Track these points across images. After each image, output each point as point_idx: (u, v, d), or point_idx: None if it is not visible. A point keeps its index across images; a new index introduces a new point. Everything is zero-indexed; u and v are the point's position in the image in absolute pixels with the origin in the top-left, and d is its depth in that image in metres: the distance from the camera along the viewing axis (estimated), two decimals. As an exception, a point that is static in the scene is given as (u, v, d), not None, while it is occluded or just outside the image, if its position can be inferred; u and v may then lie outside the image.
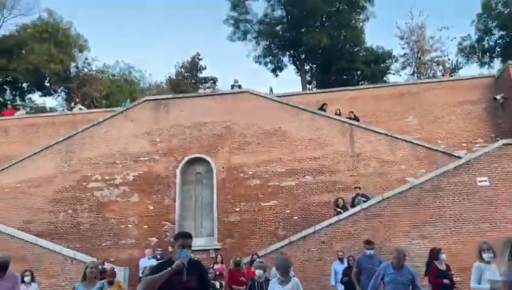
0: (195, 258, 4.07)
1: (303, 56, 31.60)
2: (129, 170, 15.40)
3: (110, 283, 8.34)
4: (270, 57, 32.07)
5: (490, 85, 17.77)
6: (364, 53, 30.90)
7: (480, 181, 11.74)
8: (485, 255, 6.18)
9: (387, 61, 31.17)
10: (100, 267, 8.07)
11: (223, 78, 71.32)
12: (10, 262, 5.82)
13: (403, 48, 30.94)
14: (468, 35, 30.31)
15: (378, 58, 30.53)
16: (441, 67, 29.64)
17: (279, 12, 30.76)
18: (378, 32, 50.51)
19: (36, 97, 33.79)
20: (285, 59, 32.46)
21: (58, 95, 32.74)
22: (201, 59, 33.76)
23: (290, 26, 30.01)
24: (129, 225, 14.80)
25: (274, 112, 15.60)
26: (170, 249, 13.72)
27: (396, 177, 14.18)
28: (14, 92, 31.82)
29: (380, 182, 14.23)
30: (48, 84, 30.91)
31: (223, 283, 10.69)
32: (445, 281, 7.70)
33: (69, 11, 52.13)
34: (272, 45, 31.51)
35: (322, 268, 11.55)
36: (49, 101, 65.99)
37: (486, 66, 30.05)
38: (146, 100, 16.61)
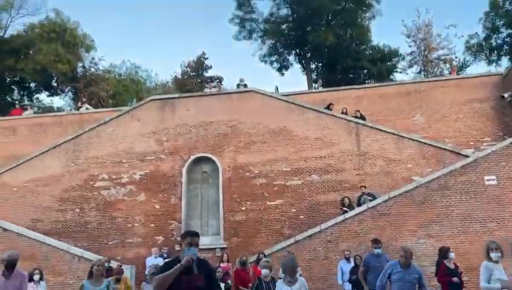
0: (202, 257, 4.07)
1: (309, 55, 31.52)
2: (136, 169, 15.49)
3: (117, 280, 8.43)
4: (276, 55, 32.02)
5: (498, 83, 17.61)
6: (370, 51, 30.72)
7: (488, 180, 11.65)
8: (493, 255, 6.14)
9: (393, 59, 30.97)
10: (106, 264, 8.14)
11: (228, 77, 71.45)
12: (18, 261, 5.88)
13: (410, 46, 30.77)
14: (476, 33, 30.06)
15: (385, 57, 30.34)
16: (448, 66, 29.41)
17: (284, 11, 30.71)
18: (384, 31, 50.34)
19: (43, 97, 34.12)
20: (291, 58, 32.44)
21: (66, 95, 33.03)
22: (207, 58, 33.82)
23: (295, 24, 29.95)
24: (136, 224, 14.89)
25: (280, 111, 15.59)
26: (177, 247, 13.80)
27: (402, 176, 14.11)
28: (21, 92, 32.12)
29: (387, 181, 14.17)
30: (55, 84, 31.15)
31: (230, 282, 10.71)
32: (455, 279, 7.65)
33: (76, 11, 52.51)
34: (278, 44, 31.47)
35: (328, 267, 11.54)
36: (57, 101, 66.57)
37: (494, 64, 29.79)
38: (152, 100, 16.68)
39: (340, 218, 12.22)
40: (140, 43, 61.89)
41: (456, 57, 30.62)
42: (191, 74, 33.58)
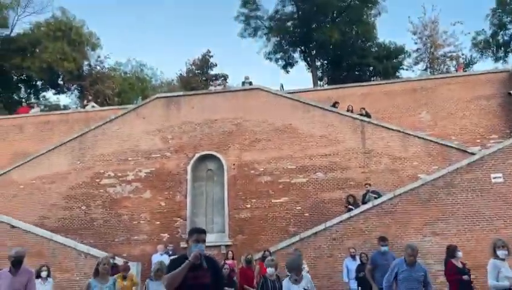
0: (209, 255, 4.09)
1: (314, 52, 31.42)
2: (141, 166, 15.56)
3: (124, 277, 8.50)
4: (281, 53, 31.97)
5: (505, 80, 17.45)
6: (376, 48, 30.57)
7: (494, 177, 11.57)
8: (500, 252, 6.12)
9: (399, 56, 30.80)
10: (111, 261, 8.19)
11: (233, 75, 71.40)
12: (24, 257, 5.93)
13: (416, 43, 30.55)
14: (483, 29, 29.79)
15: (391, 54, 30.18)
16: (454, 62, 29.20)
17: (289, 8, 30.62)
18: (390, 27, 49.97)
19: (50, 95, 34.35)
20: (296, 55, 32.38)
21: (72, 93, 33.23)
22: (211, 56, 33.83)
23: (300, 22, 29.86)
24: (141, 221, 14.97)
25: (285, 109, 15.57)
26: (182, 245, 13.86)
27: (408, 174, 14.06)
28: (28, 90, 32.37)
29: (392, 179, 14.12)
30: (61, 82, 31.34)
31: (235, 279, 10.74)
32: (465, 277, 7.61)
33: (82, 9, 52.72)
34: (283, 41, 31.40)
35: (333, 265, 11.54)
36: (63, 99, 66.81)
37: (501, 61, 29.55)
38: (157, 98, 16.74)
39: (345, 216, 12.20)
40: (145, 41, 62.09)
41: (462, 54, 30.41)
42: (196, 72, 33.61)
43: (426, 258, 10.37)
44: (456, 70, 23.26)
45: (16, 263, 5.74)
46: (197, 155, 15.46)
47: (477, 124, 17.10)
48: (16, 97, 31.53)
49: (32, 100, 31.10)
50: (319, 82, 29.38)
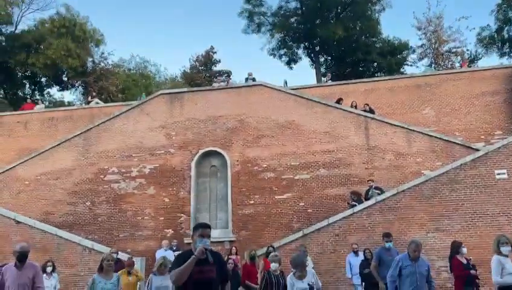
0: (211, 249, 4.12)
1: (318, 48, 31.36)
2: (145, 162, 15.63)
3: (129, 272, 8.57)
4: (285, 49, 31.93)
5: (510, 76, 17.35)
6: (380, 44, 30.45)
7: (498, 174, 11.51)
8: (503, 249, 6.12)
9: (403, 52, 30.67)
10: (115, 256, 8.25)
11: (237, 71, 71.36)
12: (29, 252, 5.99)
13: (420, 39, 30.38)
14: (488, 25, 29.58)
15: (395, 50, 30.06)
16: (459, 58, 29.02)
17: (293, 4, 30.56)
18: (394, 23, 49.62)
19: (54, 91, 34.54)
20: (300, 51, 32.34)
21: (76, 90, 33.37)
22: (215, 52, 33.85)
23: (304, 18, 29.78)
24: (145, 217, 15.05)
25: (288, 105, 15.56)
26: (186, 240, 13.94)
27: (412, 170, 14.03)
28: (33, 87, 32.54)
29: (396, 175, 14.11)
30: (65, 79, 31.46)
31: (239, 272, 10.77)
32: (473, 272, 7.60)
33: (85, 5, 52.74)
34: (286, 37, 31.34)
35: (336, 261, 11.56)
36: (67, 96, 67.10)
37: (506, 57, 29.34)
38: (161, 94, 16.77)
39: (349, 212, 12.20)
40: (149, 38, 62.13)
41: (467, 50, 30.22)
42: (200, 68, 33.65)
43: (429, 255, 10.37)
44: (461, 66, 23.13)
45: (22, 257, 5.80)
46: (201, 151, 15.50)
47: (481, 120, 17.02)
48: (20, 94, 31.71)
49: (37, 97, 31.30)
50: (322, 78, 29.31)
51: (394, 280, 6.50)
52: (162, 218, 14.98)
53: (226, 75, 32.08)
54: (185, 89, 18.03)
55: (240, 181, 15.06)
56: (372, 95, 17.93)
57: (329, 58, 32.61)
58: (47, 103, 30.95)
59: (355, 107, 16.06)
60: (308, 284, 5.78)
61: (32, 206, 15.52)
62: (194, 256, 3.76)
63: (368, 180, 13.49)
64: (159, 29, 62.81)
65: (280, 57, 32.24)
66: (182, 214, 14.96)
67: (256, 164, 15.13)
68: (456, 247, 8.23)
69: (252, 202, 14.78)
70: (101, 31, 32.01)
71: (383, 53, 29.36)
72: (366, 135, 14.77)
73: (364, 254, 9.97)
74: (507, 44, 29.13)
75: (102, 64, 32.09)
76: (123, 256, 11.00)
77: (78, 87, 32.77)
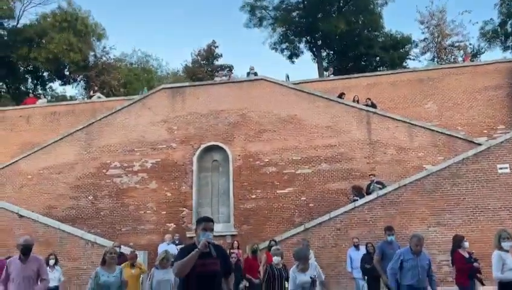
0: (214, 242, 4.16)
1: (320, 42, 31.22)
2: (147, 157, 15.66)
3: (132, 265, 8.64)
4: (287, 43, 31.80)
5: (513, 70, 17.25)
6: (382, 38, 30.29)
7: (500, 168, 11.51)
8: (504, 244, 6.12)
9: (406, 46, 30.53)
10: (118, 250, 8.31)
11: (239, 65, 71.17)
12: (33, 245, 6.04)
13: (423, 33, 30.26)
14: (491, 19, 29.40)
15: (397, 44, 29.90)
16: (462, 52, 28.88)
17: (295, -2, 30.36)
18: (397, 17, 49.33)
19: (56, 86, 34.53)
20: (302, 45, 32.20)
21: (78, 84, 33.38)
22: (217, 47, 33.77)
23: (306, 12, 29.62)
24: (148, 211, 15.12)
25: (290, 100, 15.54)
26: (188, 234, 14.01)
27: (413, 164, 14.02)
28: (35, 81, 32.56)
29: (397, 169, 14.10)
30: (67, 73, 31.48)
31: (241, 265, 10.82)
32: (476, 264, 7.61)
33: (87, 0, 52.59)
34: (288, 32, 31.21)
35: (337, 255, 11.61)
36: (69, 90, 67.22)
37: (510, 51, 29.16)
38: (163, 88, 16.77)
39: (350, 206, 12.24)
40: (151, 32, 61.99)
41: (470, 44, 30.08)
42: (202, 62, 33.59)
43: (430, 249, 10.39)
44: (464, 60, 23.03)
45: (26, 251, 5.85)
46: (203, 146, 15.52)
47: (484, 115, 16.97)
48: (23, 88, 31.75)
49: (39, 91, 31.34)
50: (324, 72, 29.20)
51: (395, 273, 6.53)
52: (164, 212, 15.04)
53: (227, 69, 32.03)
54: (187, 84, 18.01)
55: (241, 176, 15.09)
56: (374, 89, 17.88)
57: (332, 52, 32.47)
58: (49, 98, 30.98)
59: (357, 101, 16.03)
60: (311, 277, 5.81)
61: (35, 200, 15.61)
62: (196, 249, 3.80)
63: (369, 175, 13.50)
64: (161, 24, 62.67)
65: (282, 51, 32.15)
66: (184, 209, 15.02)
67: (258, 158, 15.15)
68: (458, 241, 8.24)
69: (253, 196, 14.82)
70: (102, 25, 32.00)
71: (386, 47, 29.22)
72: (368, 130, 14.75)
73: (366, 248, 9.99)
74: (510, 38, 28.95)
75: (104, 58, 32.09)
76: (126, 250, 11.06)
77: (80, 81, 32.80)
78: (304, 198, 14.47)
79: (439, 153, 13.98)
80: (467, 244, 8.24)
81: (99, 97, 21.31)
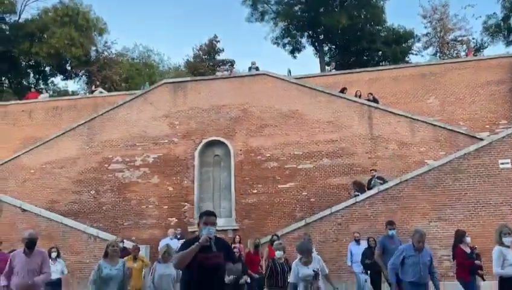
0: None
1: (322, 37, 31.09)
2: (149, 152, 15.70)
3: (135, 258, 8.71)
4: (288, 38, 31.68)
5: (516, 65, 17.17)
6: (385, 33, 30.15)
7: (502, 163, 11.50)
8: (506, 239, 6.11)
9: (409, 41, 30.38)
10: (121, 245, 8.37)
11: (240, 60, 71.00)
12: (38, 239, 6.11)
13: (426, 27, 30.11)
14: (494, 13, 29.20)
15: (400, 38, 29.77)
16: (464, 47, 28.75)
17: (297, -8, 30.19)
18: (399, 11, 49.10)
19: (58, 80, 34.58)
20: (304, 40, 32.08)
21: (80, 79, 33.40)
22: (218, 41, 33.68)
23: (308, 6, 29.47)
24: (149, 206, 15.18)
25: (291, 94, 15.53)
26: (190, 229, 14.07)
27: (415, 159, 14.02)
28: (37, 76, 32.59)
29: (399, 164, 14.10)
30: (69, 68, 31.49)
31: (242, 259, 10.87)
32: (477, 262, 7.62)
33: (88, -6, 52.29)
34: (290, 26, 31.08)
35: (338, 249, 11.65)
36: (71, 85, 67.21)
37: (513, 45, 28.99)
38: (164, 83, 16.78)
39: (351, 201, 12.27)
40: (152, 27, 61.79)
41: (473, 38, 29.90)
42: (203, 57, 33.53)
43: (432, 244, 10.41)
44: (466, 55, 22.94)
45: (30, 244, 5.92)
46: (204, 141, 15.55)
47: (486, 110, 16.92)
48: (25, 83, 31.79)
49: (41, 86, 31.37)
50: (326, 67, 29.12)
51: (395, 268, 6.55)
52: (166, 207, 15.10)
53: (229, 64, 31.96)
54: (188, 78, 18.00)
55: (243, 170, 15.12)
56: (376, 84, 17.84)
57: (334, 47, 32.34)
58: (51, 92, 31.04)
59: (360, 96, 15.99)
60: (314, 271, 5.85)
61: (37, 194, 15.69)
62: (197, 243, 3.87)
63: (370, 170, 13.51)
64: (163, 18, 62.48)
65: (284, 45, 32.05)
66: (186, 203, 15.07)
67: (259, 153, 15.17)
68: (460, 236, 8.25)
69: (255, 191, 14.85)
70: (104, 19, 31.95)
71: (388, 42, 29.09)
72: (369, 125, 14.74)
73: (368, 242, 10.02)
74: (514, 32, 28.78)
75: (105, 53, 32.07)
76: (128, 244, 11.14)
77: (81, 76, 32.82)
78: (305, 193, 14.49)
79: (441, 148, 13.96)
80: (468, 239, 8.26)
81: (101, 92, 21.33)
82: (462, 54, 27.73)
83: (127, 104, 16.37)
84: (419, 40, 30.49)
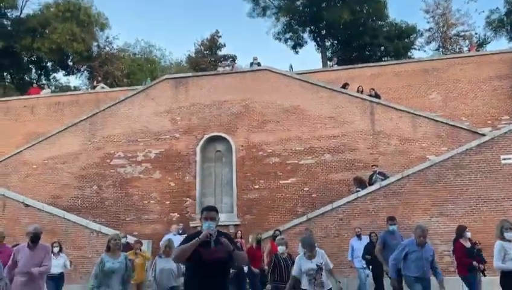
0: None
1: (324, 32, 30.99)
2: (151, 147, 15.73)
3: (137, 253, 8.77)
4: (290, 33, 31.59)
5: (519, 60, 17.09)
6: (387, 28, 30.01)
7: (504, 159, 11.48)
8: (507, 234, 6.14)
9: (411, 36, 30.25)
10: (124, 240, 8.43)
11: (242, 55, 70.87)
12: (42, 234, 6.17)
13: (428, 22, 30.00)
14: (497, 8, 29.04)
15: (402, 33, 29.64)
16: (467, 42, 28.61)
17: (299, -13, 30.07)
18: (402, 6, 48.81)
19: (60, 76, 34.56)
20: (306, 35, 31.99)
21: (81, 74, 33.42)
22: (220, 36, 33.62)
23: (310, 1, 29.35)
24: (151, 201, 15.23)
25: (293, 90, 15.51)
26: (192, 224, 14.13)
27: (417, 155, 14.00)
28: (39, 71, 32.62)
29: (400, 160, 14.09)
30: (71, 63, 31.50)
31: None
32: (475, 263, 7.59)
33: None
34: (292, 21, 30.98)
35: (340, 244, 11.68)
36: (73, 80, 67.25)
37: (516, 40, 28.84)
38: (166, 78, 16.77)
39: (352, 196, 12.28)
40: (154, 22, 61.65)
41: (476, 33, 29.76)
42: (205, 52, 33.48)
43: (433, 239, 10.44)
44: (469, 50, 22.82)
45: (35, 238, 5.98)
46: (206, 136, 15.56)
47: (488, 105, 16.87)
48: (27, 78, 31.82)
49: (43, 81, 31.41)
50: (328, 62, 29.05)
51: (397, 263, 6.58)
52: (168, 202, 15.15)
53: (231, 59, 31.88)
54: (190, 74, 17.99)
55: (244, 166, 15.14)
56: (378, 79, 17.79)
57: (336, 42, 32.25)
58: (53, 88, 31.08)
59: (362, 92, 15.96)
60: (317, 265, 5.88)
61: (40, 190, 15.75)
62: (197, 238, 3.90)
63: (372, 166, 13.50)
64: (164, 13, 62.30)
65: (285, 41, 31.97)
66: (188, 199, 15.11)
67: (261, 149, 15.18)
68: (461, 231, 8.28)
69: (256, 186, 14.88)
70: (105, 15, 31.91)
71: (390, 37, 28.97)
72: (371, 120, 14.72)
73: (370, 238, 10.06)
74: (517, 27, 28.63)
75: (107, 48, 32.06)
76: (131, 240, 11.20)
77: (83, 72, 32.83)
78: (307, 188, 14.51)
79: (443, 144, 13.94)
80: (468, 234, 8.28)
81: (102, 88, 21.35)
82: (465, 49, 27.59)
83: (128, 100, 16.39)
84: (421, 35, 30.40)
